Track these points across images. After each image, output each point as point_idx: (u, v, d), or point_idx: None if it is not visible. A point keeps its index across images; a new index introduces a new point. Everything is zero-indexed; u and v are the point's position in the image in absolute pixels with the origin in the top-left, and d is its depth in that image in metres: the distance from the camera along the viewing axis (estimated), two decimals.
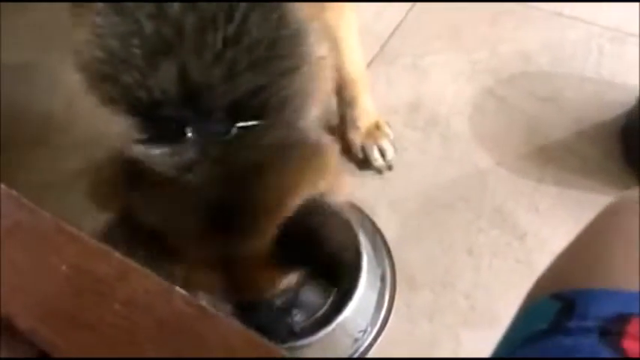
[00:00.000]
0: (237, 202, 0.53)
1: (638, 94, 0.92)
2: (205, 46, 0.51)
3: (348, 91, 0.94)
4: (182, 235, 0.54)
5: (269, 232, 0.54)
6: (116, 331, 0.29)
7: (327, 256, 0.57)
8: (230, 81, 0.52)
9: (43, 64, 1.20)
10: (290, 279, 0.62)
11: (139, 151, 0.54)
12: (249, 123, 0.52)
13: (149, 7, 0.51)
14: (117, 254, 0.33)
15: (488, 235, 0.89)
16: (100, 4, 0.53)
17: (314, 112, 0.58)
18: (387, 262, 0.85)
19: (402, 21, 1.17)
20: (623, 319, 0.25)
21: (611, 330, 0.24)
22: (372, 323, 0.80)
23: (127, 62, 0.52)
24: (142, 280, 0.31)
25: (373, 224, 0.87)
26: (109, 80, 0.54)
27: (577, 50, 1.08)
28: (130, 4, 0.52)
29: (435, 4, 1.18)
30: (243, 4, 0.50)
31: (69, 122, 1.10)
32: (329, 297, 0.80)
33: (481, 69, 1.08)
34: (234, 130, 0.52)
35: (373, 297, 0.81)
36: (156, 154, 0.53)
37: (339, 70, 0.91)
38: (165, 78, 0.51)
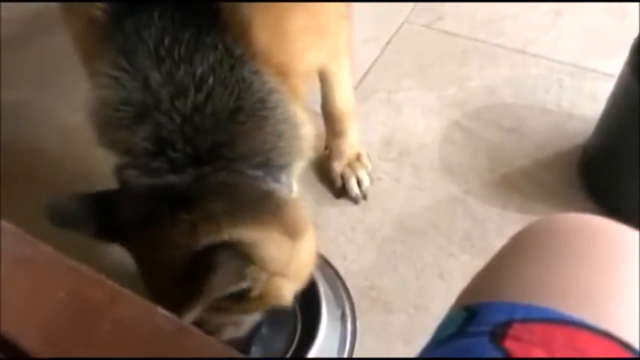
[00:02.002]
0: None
1: (595, 126, 0.99)
2: (177, 110, 0.60)
3: (338, 123, 1.01)
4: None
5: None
6: (107, 346, 0.34)
7: None
8: (196, 139, 0.61)
9: (38, 102, 1.26)
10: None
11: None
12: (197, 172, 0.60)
13: (138, 80, 0.61)
14: (109, 281, 0.38)
15: (458, 260, 0.94)
16: (105, 79, 0.63)
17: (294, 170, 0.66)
18: (345, 299, 0.89)
19: (377, 58, 1.25)
20: (508, 324, 0.30)
21: (498, 333, 0.30)
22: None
23: (119, 121, 0.62)
24: (130, 302, 0.36)
25: (325, 261, 0.91)
26: (109, 128, 0.64)
27: (539, 84, 1.16)
28: (125, 78, 0.61)
29: (409, 43, 1.27)
30: (210, 79, 0.59)
31: (61, 158, 1.16)
32: (292, 339, 0.84)
33: (450, 103, 1.15)
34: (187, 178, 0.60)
35: (335, 339, 0.85)
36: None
37: (332, 103, 0.99)
38: (143, 136, 0.61)
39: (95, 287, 0.37)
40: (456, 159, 1.07)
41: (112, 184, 1.08)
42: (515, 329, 0.30)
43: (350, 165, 1.03)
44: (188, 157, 0.61)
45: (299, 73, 0.68)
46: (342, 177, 1.03)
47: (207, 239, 0.57)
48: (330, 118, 1.00)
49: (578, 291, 0.33)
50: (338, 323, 0.87)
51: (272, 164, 0.63)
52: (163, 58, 0.60)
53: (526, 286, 0.34)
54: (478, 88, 1.17)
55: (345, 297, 0.90)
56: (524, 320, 0.30)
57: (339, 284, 0.91)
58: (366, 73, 1.23)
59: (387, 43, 1.28)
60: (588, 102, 1.11)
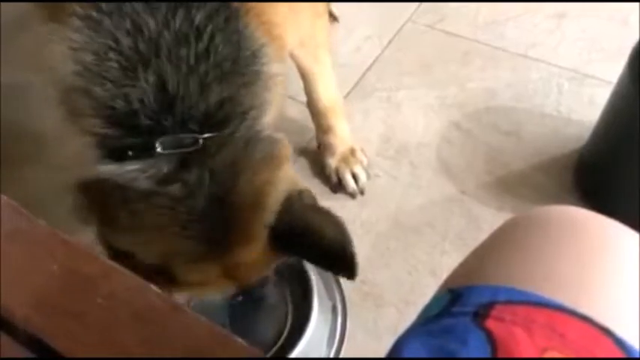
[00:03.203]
0: (223, 208, 0.56)
1: (591, 131, 1.00)
2: (180, 59, 0.55)
3: (324, 119, 1.01)
4: (174, 255, 0.58)
5: (260, 234, 0.59)
6: (98, 320, 0.35)
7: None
8: (202, 93, 0.56)
9: (37, 84, 1.26)
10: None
11: (109, 170, 0.57)
12: (214, 134, 0.57)
13: (125, 25, 0.56)
14: (101, 257, 0.38)
15: (451, 258, 0.95)
16: (77, 22, 0.57)
17: (268, 120, 0.64)
18: (337, 292, 0.90)
19: (378, 56, 1.26)
20: (490, 305, 0.31)
21: (481, 313, 0.31)
22: (327, 353, 0.85)
23: (101, 75, 0.56)
24: (122, 278, 0.37)
25: None
26: (81, 93, 0.57)
27: (538, 88, 1.17)
28: (107, 22, 0.56)
29: (411, 43, 1.27)
30: (209, 27, 0.57)
31: (60, 140, 1.16)
32: (282, 329, 0.84)
33: (449, 104, 1.16)
34: (200, 142, 0.56)
35: (325, 331, 0.86)
36: (129, 170, 0.56)
37: (316, 100, 0.99)
38: (144, 87, 0.55)
39: (89, 262, 0.38)
40: (454, 159, 1.07)
41: None
42: (498, 310, 0.31)
43: (344, 160, 1.03)
44: (200, 113, 0.56)
45: (283, 40, 0.67)
46: (337, 173, 1.03)
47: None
48: (315, 115, 1.01)
49: (560, 277, 0.34)
50: (329, 316, 0.88)
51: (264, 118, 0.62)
52: (158, 4, 0.55)
53: (509, 271, 0.35)
54: (478, 90, 1.18)
55: (336, 290, 0.91)
56: (507, 302, 0.31)
57: (331, 278, 0.91)
58: (367, 71, 1.23)
59: (390, 42, 1.28)
60: (586, 108, 1.11)
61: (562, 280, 0.33)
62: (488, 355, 0.28)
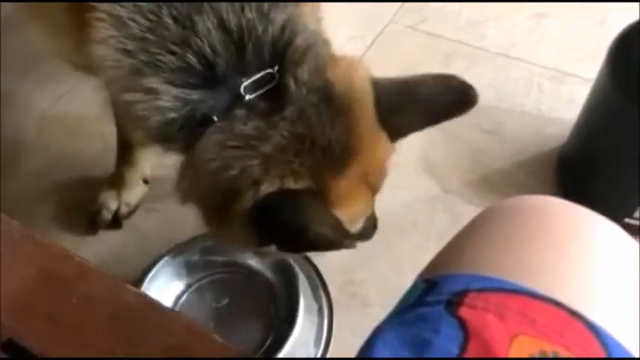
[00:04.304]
0: (335, 113, 0.57)
1: (572, 129, 1.01)
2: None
3: None
4: (318, 171, 0.57)
5: (373, 122, 0.60)
6: (74, 321, 0.34)
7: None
8: (262, 22, 0.56)
9: (17, 91, 1.25)
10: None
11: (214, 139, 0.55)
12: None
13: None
14: (78, 257, 0.38)
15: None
16: (106, 15, 0.54)
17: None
18: (323, 294, 0.90)
19: (361, 57, 1.26)
20: (464, 293, 0.31)
21: (454, 301, 0.31)
22: (314, 355, 0.85)
23: (162, 38, 0.54)
24: (98, 278, 0.36)
25: (304, 256, 0.91)
26: (148, 70, 0.54)
27: (519, 88, 1.18)
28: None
29: (393, 44, 1.28)
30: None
31: (41, 147, 1.15)
32: (268, 333, 0.84)
33: None
34: (275, 80, 0.56)
35: (312, 333, 0.86)
36: (237, 126, 0.55)
37: None
38: (208, 31, 0.54)
39: (64, 263, 0.37)
40: (437, 159, 1.08)
41: (93, 171, 1.08)
42: (471, 298, 0.31)
43: None
44: (268, 43, 0.56)
45: None
46: None
47: None
48: None
49: (533, 264, 0.34)
50: (315, 318, 0.88)
51: None
52: None
53: (484, 259, 0.35)
54: None
55: (322, 292, 0.91)
56: (480, 290, 0.31)
57: (317, 279, 0.91)
58: None
59: (372, 43, 1.29)
60: (566, 106, 1.13)
61: (535, 266, 0.34)
62: (461, 342, 0.28)
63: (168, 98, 0.55)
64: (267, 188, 0.56)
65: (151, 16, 0.54)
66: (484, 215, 0.41)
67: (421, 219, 0.99)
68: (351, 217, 0.63)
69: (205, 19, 0.54)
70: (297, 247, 0.62)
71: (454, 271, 0.35)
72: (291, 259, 0.86)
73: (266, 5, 0.57)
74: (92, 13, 0.55)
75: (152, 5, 0.54)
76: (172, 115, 0.56)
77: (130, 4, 0.54)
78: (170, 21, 0.54)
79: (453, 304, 0.31)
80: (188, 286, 0.88)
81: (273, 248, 0.63)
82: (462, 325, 0.29)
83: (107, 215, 0.98)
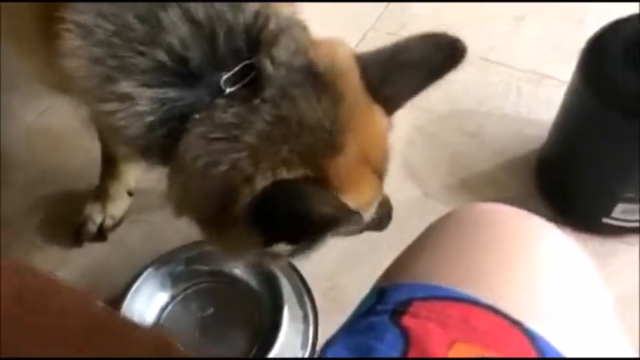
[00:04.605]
0: (321, 91, 0.55)
1: (549, 130, 1.02)
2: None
3: None
4: (314, 154, 0.55)
5: (362, 96, 0.58)
6: (49, 333, 0.35)
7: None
8: (233, 11, 0.54)
9: (3, 105, 1.25)
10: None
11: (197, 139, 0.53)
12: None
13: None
14: (53, 275, 0.39)
15: None
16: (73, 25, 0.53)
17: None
18: (307, 301, 0.90)
19: None
20: (408, 302, 0.33)
21: (399, 310, 0.32)
22: None
23: (128, 40, 0.52)
24: (71, 293, 0.37)
25: (292, 266, 0.91)
26: (120, 74, 0.53)
27: (498, 91, 1.20)
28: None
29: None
30: None
31: (26, 161, 1.15)
32: (253, 341, 0.84)
33: (414, 108, 1.16)
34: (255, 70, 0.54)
35: (297, 341, 0.86)
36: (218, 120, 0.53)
37: None
38: (174, 27, 0.52)
39: (35, 279, 0.38)
40: (418, 163, 1.09)
41: (77, 184, 1.09)
42: (415, 307, 0.32)
43: None
44: (241, 31, 0.55)
45: None
46: None
47: None
48: None
49: (479, 272, 0.35)
50: (300, 325, 0.89)
51: None
52: None
53: (433, 268, 0.36)
54: (441, 94, 1.19)
55: (307, 299, 0.92)
56: (425, 298, 0.33)
57: (301, 286, 0.92)
58: None
59: (358, 43, 1.30)
60: (544, 108, 1.14)
61: (481, 275, 0.35)
62: (401, 350, 0.29)
63: (144, 102, 0.53)
64: (261, 183, 0.53)
65: (115, 20, 0.53)
66: (437, 224, 0.42)
67: (402, 223, 1.00)
68: (359, 202, 0.60)
69: (171, 14, 0.52)
70: (306, 236, 0.59)
71: (404, 280, 0.36)
72: (276, 267, 0.87)
73: None
74: (60, 25, 0.53)
75: (115, 8, 0.53)
76: (151, 118, 0.54)
77: (93, 11, 0.52)
78: (135, 21, 0.52)
79: (398, 313, 0.32)
80: (173, 297, 0.89)
81: (282, 247, 0.59)
82: (404, 333, 0.30)
83: (92, 228, 0.98)
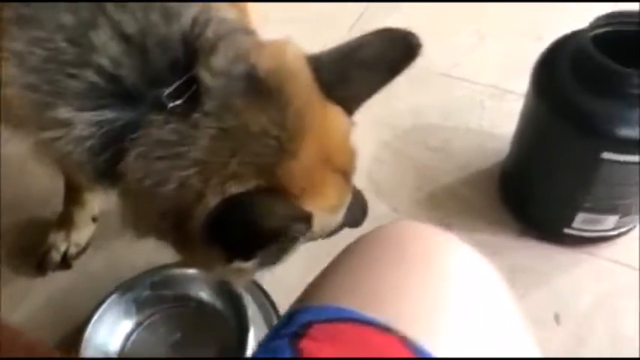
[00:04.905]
0: (267, 96, 0.53)
1: (509, 144, 1.04)
2: (128, 6, 0.51)
3: None
4: (266, 162, 0.53)
5: (315, 95, 0.56)
6: None
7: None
8: (167, 22, 0.52)
9: None
10: None
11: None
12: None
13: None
14: None
15: None
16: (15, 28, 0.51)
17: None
18: (275, 320, 0.89)
19: None
20: (309, 325, 0.33)
21: (299, 333, 0.32)
22: None
23: (59, 63, 0.51)
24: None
25: (254, 281, 0.90)
26: (55, 98, 0.51)
27: (462, 105, 1.22)
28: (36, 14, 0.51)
29: None
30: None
31: None
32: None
33: (379, 124, 1.19)
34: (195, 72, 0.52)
35: None
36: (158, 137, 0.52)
37: None
38: (104, 45, 0.51)
39: None
40: (385, 178, 1.10)
41: (42, 211, 1.07)
42: (315, 329, 0.32)
43: None
44: (178, 41, 0.53)
45: None
46: None
47: None
48: None
49: (381, 292, 0.36)
50: None
51: None
52: None
53: (338, 290, 0.37)
54: (406, 110, 1.22)
55: (275, 318, 0.91)
56: (326, 321, 0.33)
57: (268, 305, 0.92)
58: None
59: None
60: (507, 122, 1.16)
61: (382, 295, 0.35)
62: None
63: (83, 126, 0.52)
64: (213, 199, 0.52)
65: (46, 45, 0.51)
66: (350, 246, 0.43)
67: None
68: (325, 205, 0.58)
69: (101, 33, 0.51)
70: (263, 248, 0.55)
71: (312, 303, 0.36)
72: (241, 287, 0.86)
73: (174, 4, 0.54)
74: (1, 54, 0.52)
75: (45, 33, 0.51)
76: (91, 142, 0.52)
77: (24, 38, 0.51)
78: (64, 44, 0.51)
79: (298, 336, 0.32)
80: (138, 324, 0.87)
81: (245, 262, 0.57)
82: (299, 356, 0.30)
83: (56, 256, 0.97)
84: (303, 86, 0.56)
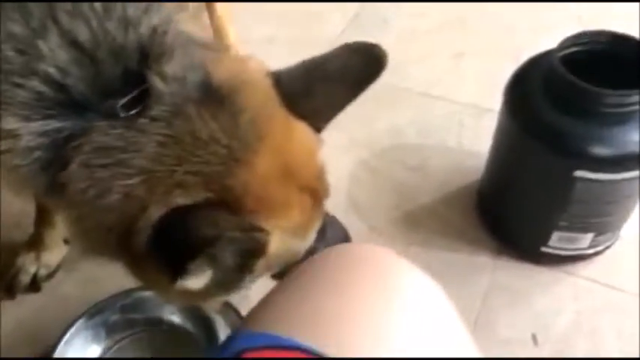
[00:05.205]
0: (222, 104, 0.51)
1: (485, 162, 1.04)
2: (84, 13, 0.50)
3: None
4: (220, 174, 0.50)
5: (277, 107, 0.54)
6: None
7: None
8: (124, 30, 0.51)
9: None
10: None
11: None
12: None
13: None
14: None
15: None
16: None
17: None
18: None
19: None
20: (242, 352, 0.32)
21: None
22: None
23: (4, 77, 0.49)
24: None
25: (228, 304, 0.87)
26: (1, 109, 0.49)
27: (441, 124, 1.22)
28: None
29: None
30: None
31: None
32: None
33: (358, 144, 1.19)
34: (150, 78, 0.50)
35: None
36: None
37: None
38: (52, 53, 0.49)
39: None
40: (363, 197, 1.09)
41: (13, 232, 1.05)
42: (246, 355, 0.31)
43: None
44: (134, 49, 0.51)
45: None
46: None
47: None
48: None
49: (317, 318, 0.35)
50: None
51: None
52: None
53: (279, 314, 0.36)
54: (385, 129, 1.22)
55: None
56: (258, 348, 0.32)
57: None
58: None
59: None
60: (485, 140, 1.16)
61: (323, 322, 0.34)
62: None
63: (30, 137, 0.50)
64: (156, 212, 0.48)
65: None
66: (300, 267, 0.42)
67: None
68: (287, 226, 0.54)
69: (51, 41, 0.49)
70: (222, 269, 0.52)
71: (250, 327, 0.35)
72: (211, 309, 0.84)
73: (134, 11, 0.52)
74: None
75: None
76: (38, 153, 0.50)
77: None
78: (11, 53, 0.49)
79: None
80: (108, 348, 0.85)
81: (194, 282, 0.51)
82: None
83: (25, 279, 0.94)
84: (260, 96, 0.54)
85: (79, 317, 0.84)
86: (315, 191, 0.58)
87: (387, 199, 1.09)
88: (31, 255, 0.95)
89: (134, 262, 0.54)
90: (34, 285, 0.95)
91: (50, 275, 0.96)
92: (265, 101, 0.54)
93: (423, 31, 1.43)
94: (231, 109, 0.51)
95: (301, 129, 0.57)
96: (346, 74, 0.59)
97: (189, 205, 0.49)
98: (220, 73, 0.53)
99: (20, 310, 0.96)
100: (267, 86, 0.55)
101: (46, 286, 0.97)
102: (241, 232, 0.49)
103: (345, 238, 0.78)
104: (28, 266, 0.95)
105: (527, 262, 0.97)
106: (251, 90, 0.53)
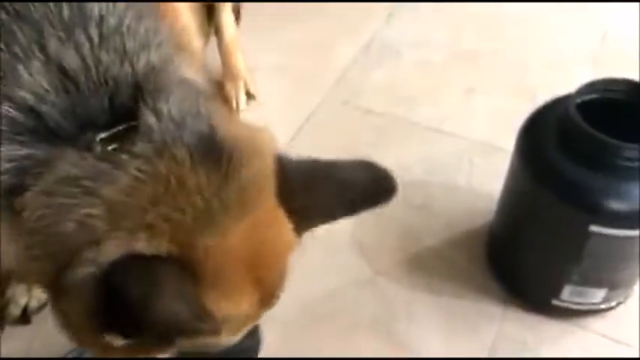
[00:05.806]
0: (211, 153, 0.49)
1: (496, 205, 1.01)
2: (79, 42, 0.49)
3: None
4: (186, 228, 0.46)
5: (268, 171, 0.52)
6: None
7: None
8: (121, 64, 0.50)
9: None
10: None
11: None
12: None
13: None
14: None
15: (367, 346, 0.91)
16: None
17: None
18: None
19: (294, 136, 1.26)
20: None
21: None
22: None
23: None
24: None
25: None
26: None
27: (450, 162, 1.19)
28: None
29: (333, 119, 1.29)
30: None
31: None
32: None
33: None
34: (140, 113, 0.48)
35: None
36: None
37: None
38: (30, 78, 0.48)
39: None
40: (367, 238, 1.06)
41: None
42: None
43: None
44: (128, 85, 0.50)
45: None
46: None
47: None
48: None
49: None
50: None
51: None
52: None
53: None
54: (392, 165, 1.18)
55: None
56: None
57: None
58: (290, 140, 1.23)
59: (307, 119, 1.30)
60: (495, 180, 1.12)
61: None
62: None
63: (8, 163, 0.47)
64: (112, 249, 0.45)
65: None
66: None
67: (350, 305, 0.96)
68: (225, 312, 0.50)
69: (31, 66, 0.48)
70: (147, 332, 0.46)
71: None
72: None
73: (132, 45, 0.51)
74: None
75: None
76: (4, 177, 0.47)
77: None
78: None
79: None
80: None
81: (116, 338, 0.48)
82: None
83: (15, 311, 0.92)
84: (260, 173, 0.51)
85: (70, 352, 0.81)
86: (269, 292, 0.54)
87: (391, 241, 1.05)
88: (22, 286, 0.92)
89: (56, 294, 0.50)
90: (25, 317, 0.92)
91: (41, 307, 0.93)
92: (262, 181, 0.51)
93: (435, 64, 1.40)
94: (226, 170, 0.49)
95: (283, 225, 0.53)
96: (350, 187, 0.57)
97: (148, 257, 0.45)
98: (227, 131, 0.51)
99: (8, 343, 0.93)
100: (269, 167, 0.52)
101: (36, 319, 0.94)
102: (195, 322, 0.45)
103: (255, 351, 0.71)
104: (19, 297, 0.92)
105: (536, 314, 0.93)
106: (253, 162, 0.51)
